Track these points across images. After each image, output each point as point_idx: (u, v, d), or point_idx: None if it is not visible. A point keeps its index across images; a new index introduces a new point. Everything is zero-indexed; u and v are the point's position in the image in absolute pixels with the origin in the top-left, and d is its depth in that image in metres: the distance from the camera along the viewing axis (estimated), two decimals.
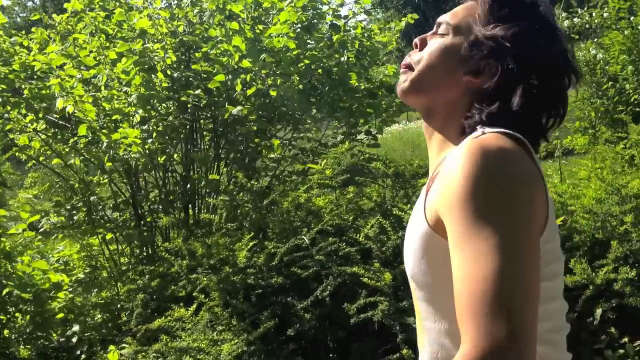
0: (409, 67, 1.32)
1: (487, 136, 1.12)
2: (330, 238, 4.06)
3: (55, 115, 5.35)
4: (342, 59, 5.73)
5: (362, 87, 5.90)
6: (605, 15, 8.31)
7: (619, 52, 7.80)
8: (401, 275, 3.62)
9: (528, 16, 1.22)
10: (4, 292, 4.47)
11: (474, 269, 0.99)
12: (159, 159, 5.32)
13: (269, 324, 3.76)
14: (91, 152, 5.29)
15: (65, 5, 5.63)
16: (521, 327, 0.95)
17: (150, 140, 5.07)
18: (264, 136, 5.60)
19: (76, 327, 4.59)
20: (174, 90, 5.31)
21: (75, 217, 5.34)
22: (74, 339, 4.56)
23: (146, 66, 4.98)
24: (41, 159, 5.83)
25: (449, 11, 1.33)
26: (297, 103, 5.43)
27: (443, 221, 1.09)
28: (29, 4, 38.48)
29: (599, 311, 3.62)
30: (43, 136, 5.59)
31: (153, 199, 5.56)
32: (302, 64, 5.50)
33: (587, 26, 8.69)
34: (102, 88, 5.15)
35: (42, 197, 6.62)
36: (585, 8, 8.76)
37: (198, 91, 5.24)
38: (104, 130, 5.00)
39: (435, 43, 1.30)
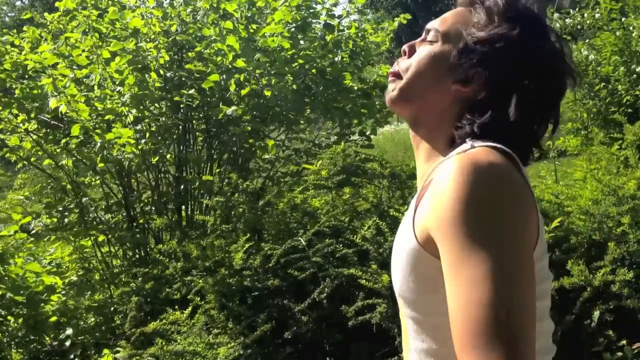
0: (397, 76, 1.29)
1: (477, 151, 1.09)
2: (327, 239, 4.04)
3: (47, 115, 5.30)
4: (336, 59, 5.70)
5: (356, 87, 5.88)
6: (597, 16, 8.35)
7: (611, 53, 7.82)
8: None
9: (521, 18, 1.19)
10: None
11: (469, 297, 0.96)
12: (152, 159, 5.28)
13: (265, 326, 3.73)
14: (82, 152, 5.25)
15: (57, 4, 5.57)
16: (521, 354, 0.93)
17: (143, 141, 5.03)
18: (258, 137, 5.56)
19: (69, 331, 4.54)
20: (166, 90, 5.26)
21: (67, 219, 5.28)
22: (68, 343, 4.51)
23: (139, 65, 4.94)
24: (32, 159, 5.77)
25: (438, 12, 1.30)
26: (291, 103, 5.40)
27: (434, 240, 1.06)
28: (18, 3, 38.27)
29: (596, 313, 3.62)
30: (34, 136, 5.53)
31: (146, 200, 5.51)
32: (296, 64, 5.47)
33: (579, 27, 8.72)
34: (95, 87, 5.10)
35: (33, 198, 6.56)
36: (577, 9, 8.79)
37: (192, 91, 5.20)
38: (97, 131, 4.95)
39: (423, 50, 1.26)
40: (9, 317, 4.63)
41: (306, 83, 5.64)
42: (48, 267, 5.23)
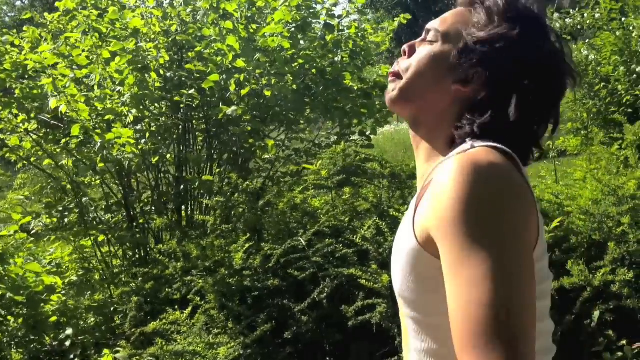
0: (397, 76, 1.29)
1: (477, 151, 1.09)
2: (327, 239, 4.04)
3: (47, 115, 5.30)
4: (336, 58, 5.70)
5: (356, 87, 5.88)
6: (597, 16, 8.35)
7: (611, 53, 7.82)
8: None
9: (521, 18, 1.18)
10: None
11: (469, 297, 0.96)
12: (152, 159, 5.28)
13: (265, 326, 3.73)
14: (82, 153, 5.24)
15: (57, 4, 5.57)
16: (521, 354, 0.93)
17: (143, 141, 5.03)
18: (258, 137, 5.56)
19: (69, 331, 4.53)
20: (166, 90, 5.26)
21: (67, 219, 5.28)
22: (68, 343, 4.51)
23: (139, 65, 4.94)
24: (32, 159, 5.77)
25: (438, 12, 1.30)
26: (291, 103, 5.39)
27: (434, 240, 1.06)
28: (18, 3, 38.27)
29: (596, 313, 3.61)
30: (34, 136, 5.53)
31: (146, 200, 5.51)
32: (296, 64, 5.47)
33: (579, 27, 8.72)
34: (96, 87, 5.10)
35: (33, 198, 6.55)
36: (577, 9, 8.79)
37: (192, 91, 5.19)
38: (97, 131, 4.95)
39: (424, 50, 1.26)
40: (9, 317, 4.62)
41: (306, 83, 5.64)
42: (48, 267, 5.23)
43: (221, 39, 5.13)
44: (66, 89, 4.97)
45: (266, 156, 5.72)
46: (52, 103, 4.77)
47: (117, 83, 5.08)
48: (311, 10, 5.55)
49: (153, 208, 5.45)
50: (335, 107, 5.67)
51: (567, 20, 8.65)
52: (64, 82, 5.05)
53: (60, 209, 5.31)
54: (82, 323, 4.76)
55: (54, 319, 4.70)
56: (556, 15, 8.94)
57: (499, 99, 1.15)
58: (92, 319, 4.83)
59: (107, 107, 5.03)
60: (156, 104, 5.34)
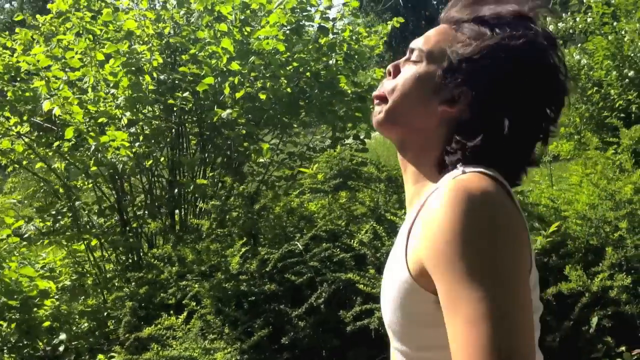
0: (382, 99, 1.25)
1: (469, 177, 1.06)
2: (324, 244, 4.01)
3: (40, 118, 5.25)
4: (330, 62, 5.68)
5: (350, 91, 5.86)
6: (589, 20, 8.38)
7: (603, 57, 7.86)
8: None
9: (507, 35, 1.13)
10: None
11: (469, 337, 0.94)
12: (145, 162, 5.24)
13: (262, 332, 3.70)
14: (75, 156, 5.20)
15: (49, 5, 5.53)
16: None
17: (137, 144, 4.99)
18: (252, 140, 5.53)
19: (63, 336, 4.49)
20: (160, 93, 5.23)
21: (60, 223, 5.23)
22: (61, 348, 4.46)
23: (133, 68, 4.90)
24: (24, 162, 5.71)
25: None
26: (286, 106, 5.37)
27: (428, 273, 1.03)
28: (7, 6, 38.03)
29: (595, 319, 3.59)
30: (27, 139, 5.48)
31: (139, 204, 5.47)
32: (290, 67, 5.45)
33: (571, 31, 8.75)
34: (90, 90, 5.05)
35: (25, 202, 6.49)
36: (569, 13, 8.83)
37: (186, 94, 5.16)
38: (91, 134, 4.90)
39: (408, 71, 1.22)
40: (1, 322, 4.57)
41: (300, 86, 5.62)
42: (42, 271, 5.18)
43: (215, 41, 5.10)
44: (59, 91, 4.92)
45: (260, 160, 5.69)
46: (46, 105, 4.72)
47: (111, 85, 5.04)
48: (305, 13, 5.53)
49: (146, 212, 5.41)
50: (329, 111, 5.65)
51: (559, 24, 8.67)
52: (58, 85, 5.00)
53: (53, 212, 5.26)
54: (75, 328, 4.72)
55: (47, 323, 4.65)
56: (548, 19, 8.96)
57: (488, 119, 1.12)
58: (86, 324, 4.78)
59: (100, 109, 4.99)
60: (149, 107, 5.30)
